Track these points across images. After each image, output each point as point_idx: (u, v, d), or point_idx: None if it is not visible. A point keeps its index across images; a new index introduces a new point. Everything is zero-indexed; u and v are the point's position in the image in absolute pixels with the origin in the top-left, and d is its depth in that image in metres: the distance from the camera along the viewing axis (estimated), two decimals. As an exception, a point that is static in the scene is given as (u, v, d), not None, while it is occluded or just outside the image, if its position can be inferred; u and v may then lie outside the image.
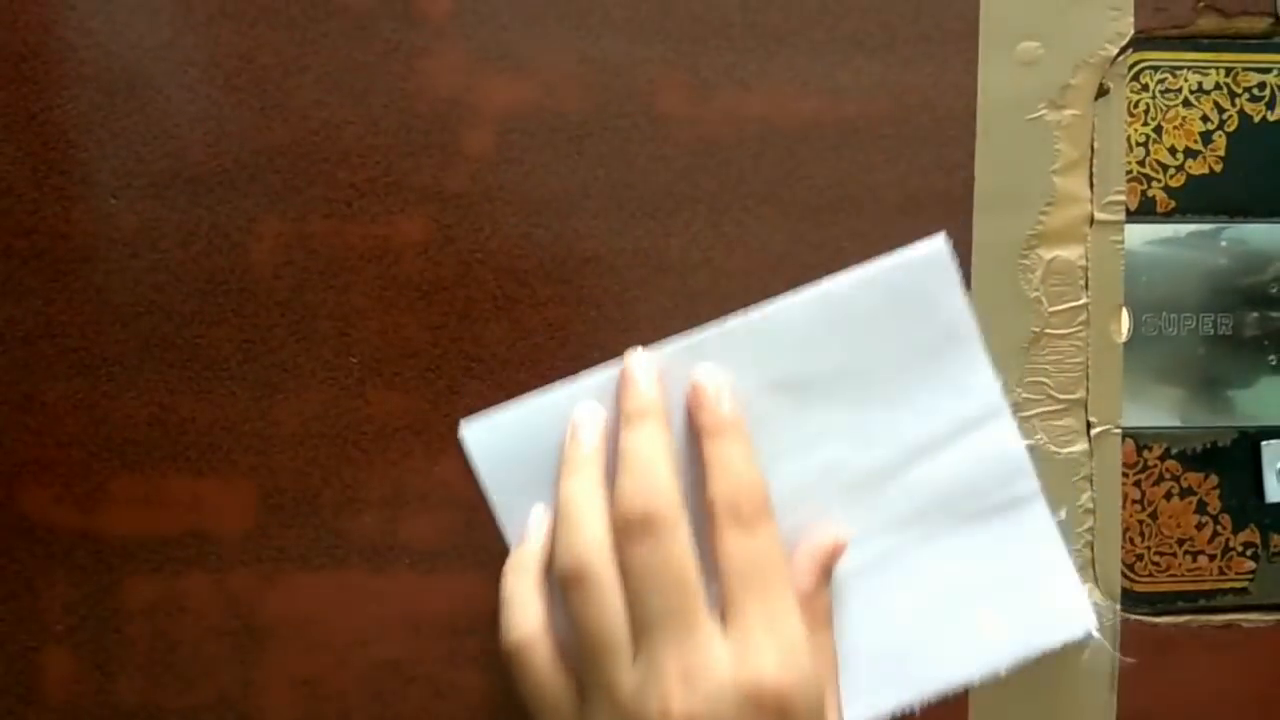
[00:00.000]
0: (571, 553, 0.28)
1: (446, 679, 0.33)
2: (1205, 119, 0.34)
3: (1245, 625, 0.35)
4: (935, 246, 0.32)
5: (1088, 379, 0.34)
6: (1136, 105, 0.34)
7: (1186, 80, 0.34)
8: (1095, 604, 0.34)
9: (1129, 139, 0.34)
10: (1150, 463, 0.35)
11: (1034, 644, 0.32)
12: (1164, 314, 0.35)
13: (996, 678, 0.32)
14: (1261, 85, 0.34)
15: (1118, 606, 0.34)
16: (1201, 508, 0.35)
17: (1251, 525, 0.35)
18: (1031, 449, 0.33)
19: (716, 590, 0.28)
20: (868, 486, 0.32)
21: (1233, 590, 0.35)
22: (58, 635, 0.33)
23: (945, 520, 0.32)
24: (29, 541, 0.33)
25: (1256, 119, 0.35)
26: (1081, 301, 0.34)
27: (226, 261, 0.33)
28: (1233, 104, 0.34)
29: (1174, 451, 0.35)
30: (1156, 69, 0.34)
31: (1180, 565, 0.35)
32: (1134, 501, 0.34)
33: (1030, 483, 0.32)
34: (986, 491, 0.32)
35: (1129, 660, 0.34)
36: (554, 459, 0.32)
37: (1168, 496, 0.35)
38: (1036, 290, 0.33)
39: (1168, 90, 0.34)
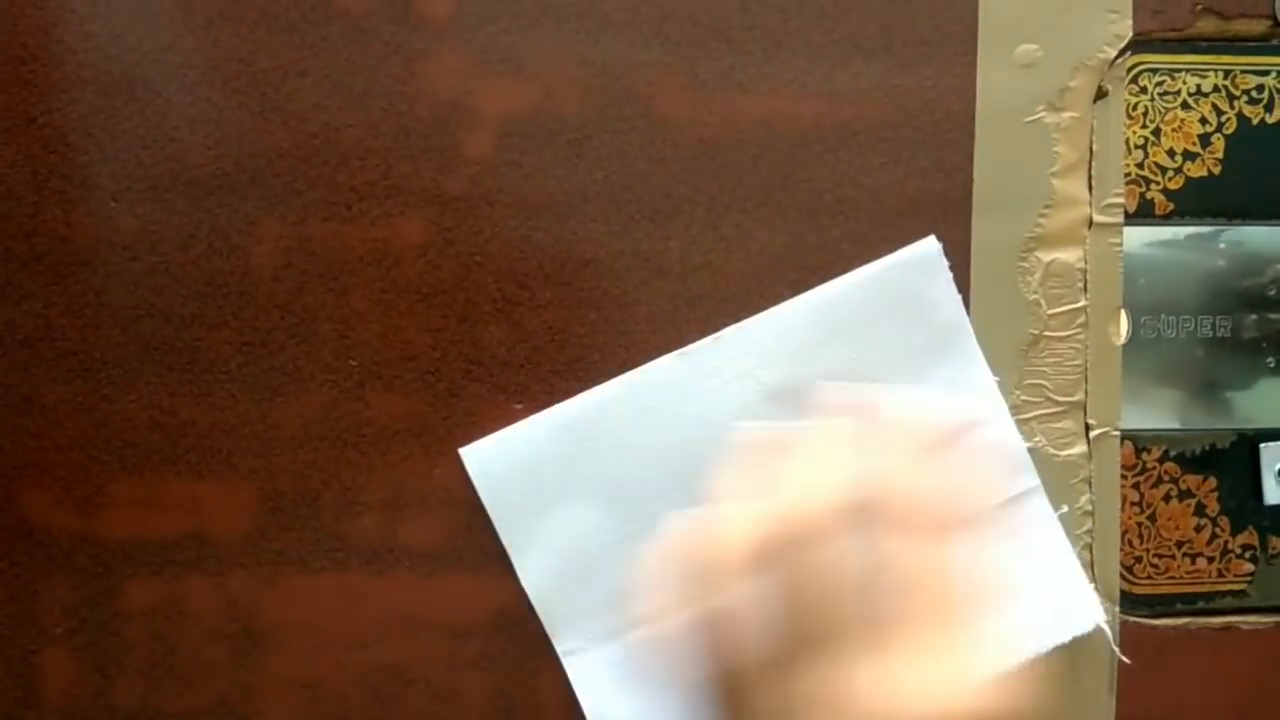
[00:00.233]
0: (790, 522, 0.25)
1: (446, 681, 0.33)
2: (1204, 121, 0.34)
3: (1244, 627, 0.35)
4: (927, 248, 0.32)
5: (1086, 381, 0.34)
6: (1135, 108, 0.34)
7: (1185, 83, 0.34)
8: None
9: (1127, 141, 0.34)
10: (1149, 465, 0.35)
11: (1044, 640, 0.32)
12: (1163, 316, 0.35)
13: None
14: (1260, 88, 0.34)
15: (1117, 608, 0.34)
16: (1200, 510, 0.35)
17: (1250, 527, 0.35)
18: (1031, 451, 0.33)
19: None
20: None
21: (1231, 592, 0.35)
22: (57, 638, 0.33)
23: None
24: (29, 544, 0.33)
25: (1255, 121, 0.35)
26: (1080, 304, 0.34)
27: (226, 264, 0.33)
28: (1231, 106, 0.34)
29: (1173, 454, 0.35)
30: (1155, 71, 0.34)
31: (1179, 567, 0.35)
32: (1133, 504, 0.34)
33: (1031, 478, 0.33)
34: (987, 489, 0.32)
35: (1128, 662, 0.34)
36: (553, 476, 0.32)
37: (1166, 499, 0.35)
38: (1035, 292, 0.34)
39: (1166, 93, 0.34)
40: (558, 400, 0.33)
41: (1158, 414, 0.35)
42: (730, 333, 0.32)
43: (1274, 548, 0.35)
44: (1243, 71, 0.34)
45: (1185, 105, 0.34)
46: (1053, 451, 0.34)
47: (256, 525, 0.33)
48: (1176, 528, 0.35)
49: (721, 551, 0.25)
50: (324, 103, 0.32)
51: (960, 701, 0.24)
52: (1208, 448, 0.35)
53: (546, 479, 0.32)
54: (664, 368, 0.32)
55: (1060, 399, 0.34)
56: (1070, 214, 0.33)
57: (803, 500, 0.25)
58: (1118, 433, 0.34)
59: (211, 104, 0.32)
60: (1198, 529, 0.35)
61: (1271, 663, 0.35)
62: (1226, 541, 0.35)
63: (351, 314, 0.33)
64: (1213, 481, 0.35)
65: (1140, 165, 0.34)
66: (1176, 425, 0.35)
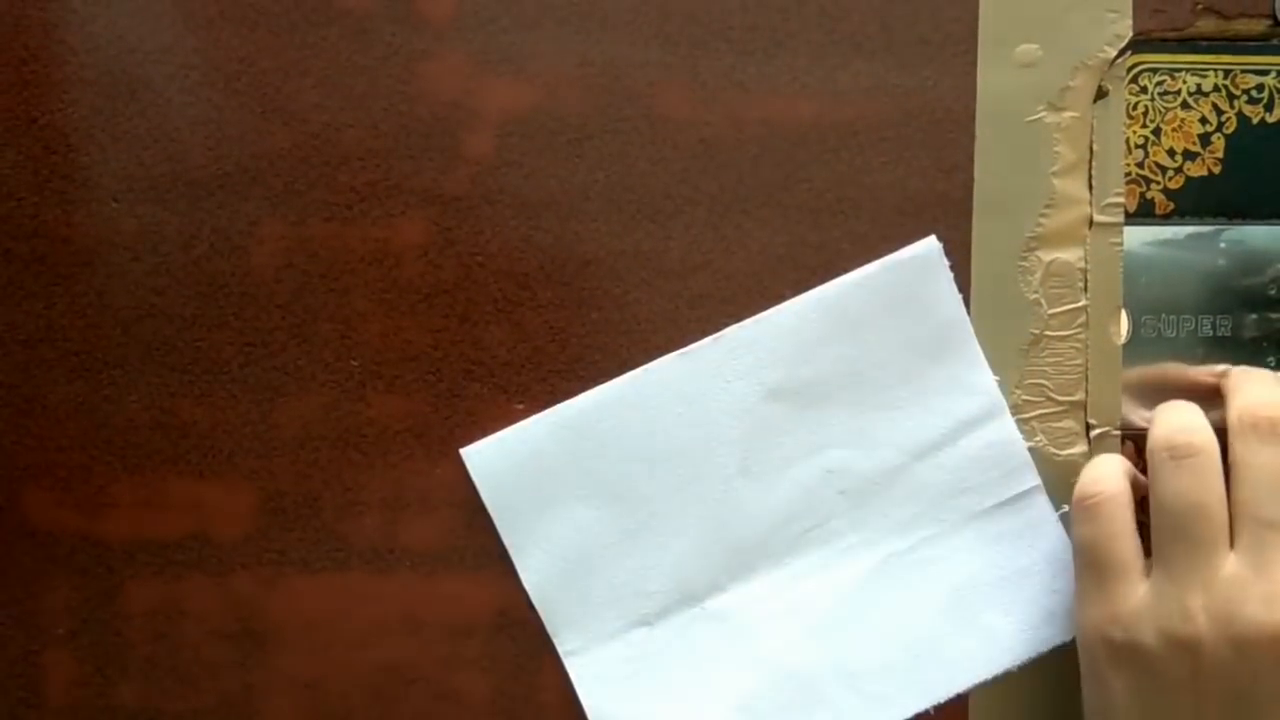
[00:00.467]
0: (1179, 425, 0.29)
1: (447, 681, 0.33)
2: (1204, 121, 0.34)
3: (1245, 626, 0.35)
4: (927, 247, 0.32)
5: (1087, 381, 0.34)
6: (1135, 107, 0.34)
7: (1185, 82, 0.34)
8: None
9: (1128, 141, 0.34)
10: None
11: (1044, 640, 0.32)
12: (1163, 316, 0.35)
13: (1006, 675, 0.32)
14: (1260, 87, 0.35)
15: (1118, 608, 0.34)
16: (1201, 509, 0.35)
17: (1251, 526, 0.35)
18: (1031, 451, 0.33)
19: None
20: (871, 490, 0.33)
21: (1233, 591, 0.35)
22: (59, 638, 0.33)
23: (950, 520, 0.33)
24: (30, 544, 0.33)
25: (1255, 121, 0.35)
26: (1081, 303, 0.34)
27: (227, 265, 0.33)
28: (1231, 106, 0.34)
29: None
30: (1155, 71, 0.34)
31: (1180, 566, 0.35)
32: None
33: (1032, 477, 0.33)
34: (989, 488, 0.33)
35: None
36: (554, 476, 0.32)
37: (1167, 498, 0.35)
38: (1036, 292, 0.34)
39: (1166, 92, 0.34)
40: (559, 400, 0.33)
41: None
42: (731, 332, 0.33)
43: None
44: (1243, 71, 0.34)
45: (1185, 105, 0.34)
46: (1053, 451, 0.34)
47: (258, 525, 0.33)
48: (1177, 527, 0.35)
49: None
50: (325, 103, 0.32)
51: None
52: (1208, 447, 0.35)
53: (547, 479, 0.32)
54: (665, 367, 0.32)
55: (1061, 398, 0.34)
56: (1071, 213, 0.33)
57: None
58: (1118, 432, 0.34)
59: (212, 104, 0.32)
60: (1199, 528, 0.35)
61: (1273, 662, 0.35)
62: (1227, 541, 0.35)
63: (352, 314, 0.33)
64: (1213, 481, 0.35)
65: (1140, 165, 0.34)
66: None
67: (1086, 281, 0.34)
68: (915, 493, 0.33)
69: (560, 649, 0.33)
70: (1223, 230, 0.35)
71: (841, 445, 0.33)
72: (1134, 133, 0.34)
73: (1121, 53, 0.33)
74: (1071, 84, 0.33)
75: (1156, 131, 0.34)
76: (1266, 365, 0.35)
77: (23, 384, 0.33)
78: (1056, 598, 0.33)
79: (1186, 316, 0.35)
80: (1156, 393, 0.34)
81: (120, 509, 0.33)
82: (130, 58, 0.32)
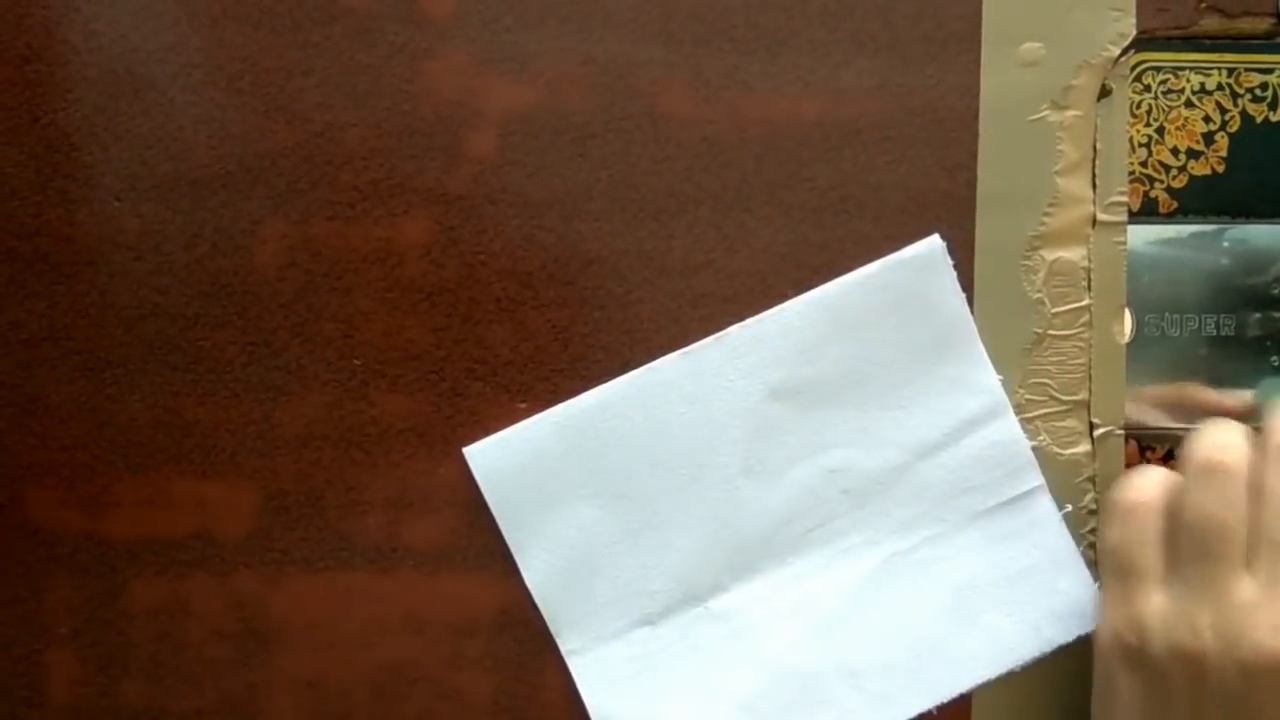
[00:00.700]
0: (1217, 443, 0.28)
1: (450, 680, 0.33)
2: (1207, 120, 0.34)
3: (1249, 626, 0.35)
4: (930, 246, 0.32)
5: (1090, 380, 0.34)
6: (1139, 106, 0.34)
7: (1189, 81, 0.34)
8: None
9: (1131, 140, 0.34)
10: (1153, 464, 0.35)
11: (1047, 640, 0.32)
12: (1166, 315, 0.35)
13: (1009, 675, 0.32)
14: (1264, 86, 0.34)
15: (1121, 607, 0.34)
16: (1205, 508, 0.35)
17: (1255, 526, 0.35)
18: (1034, 450, 0.33)
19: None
20: (875, 489, 0.33)
21: (1236, 591, 0.35)
22: (62, 637, 0.33)
23: (953, 519, 0.33)
24: (33, 544, 0.33)
25: (1259, 119, 0.35)
26: (1084, 303, 0.34)
27: (230, 264, 0.33)
28: (1235, 104, 0.34)
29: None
30: (1159, 70, 0.34)
31: (1183, 566, 0.35)
32: (1137, 502, 0.34)
33: (1035, 477, 0.33)
34: (992, 488, 0.33)
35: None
36: (556, 475, 0.32)
37: (1171, 497, 0.35)
38: (1039, 291, 0.33)
39: (1170, 91, 0.34)
40: (561, 399, 0.33)
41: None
42: (734, 331, 0.33)
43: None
44: (1246, 69, 0.34)
45: (1189, 103, 0.34)
46: (1057, 450, 0.34)
47: (261, 524, 0.33)
48: (1181, 526, 0.35)
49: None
50: (328, 102, 0.32)
51: None
52: (1212, 446, 0.35)
53: (550, 478, 0.32)
54: (668, 367, 0.32)
55: (1064, 398, 0.34)
56: (1074, 212, 0.33)
57: None
58: (1122, 431, 0.34)
59: (215, 103, 0.32)
60: (1202, 527, 0.35)
61: (1276, 661, 0.35)
62: (1231, 540, 0.35)
63: (355, 313, 0.33)
64: (1217, 480, 0.35)
65: (1144, 163, 0.34)
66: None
67: (1090, 280, 0.34)
68: (918, 492, 0.33)
69: (563, 648, 0.33)
70: (1226, 229, 0.35)
71: (844, 445, 0.33)
72: (1137, 131, 0.34)
73: (1125, 51, 0.33)
74: (1075, 82, 0.33)
75: (1160, 130, 0.34)
76: (1269, 364, 0.35)
77: (25, 383, 0.33)
78: (1059, 597, 0.33)
79: (1190, 316, 0.35)
80: (1176, 404, 0.34)
81: (123, 508, 0.33)
82: (133, 56, 0.32)
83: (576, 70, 0.33)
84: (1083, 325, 0.34)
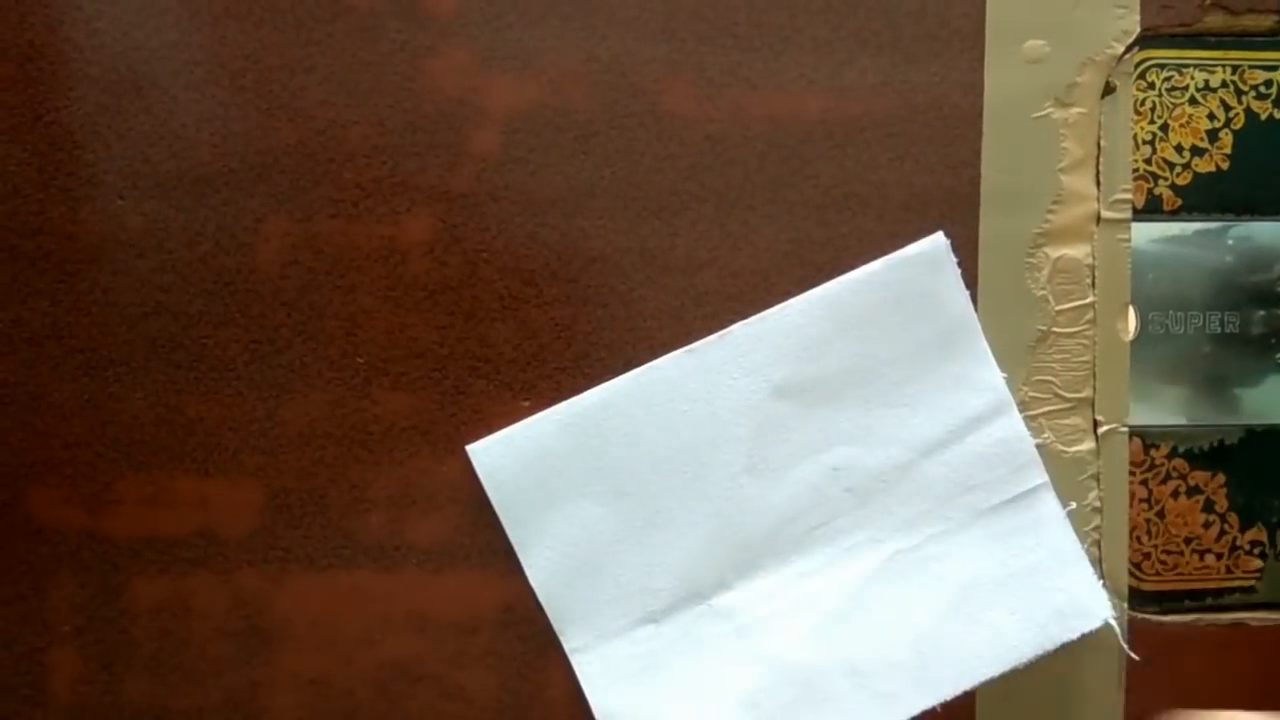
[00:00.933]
0: None
1: (454, 679, 0.33)
2: (1212, 117, 0.34)
3: (1253, 624, 0.35)
4: (934, 243, 0.32)
5: (1094, 377, 0.34)
6: (1143, 103, 0.34)
7: (1193, 78, 0.34)
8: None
9: (1135, 137, 0.34)
10: (1157, 461, 0.35)
11: (1050, 637, 0.32)
12: (1171, 312, 0.35)
13: (1013, 673, 0.32)
14: (1268, 83, 0.34)
15: (1125, 605, 0.34)
16: (1209, 506, 0.35)
17: (1259, 524, 0.35)
18: (1038, 448, 0.33)
19: None
20: (878, 487, 0.33)
21: (1240, 589, 0.35)
22: (64, 636, 0.33)
23: (957, 517, 0.33)
24: (36, 542, 0.33)
25: (1263, 116, 0.34)
26: (1088, 300, 0.34)
27: (233, 262, 0.33)
28: (1239, 101, 0.34)
29: (1181, 450, 0.35)
30: (1163, 67, 0.34)
31: (1187, 564, 0.35)
32: (1141, 500, 0.34)
33: (1039, 474, 0.33)
34: (996, 486, 0.32)
35: (1136, 658, 0.34)
36: (560, 473, 0.32)
37: (1175, 495, 0.35)
38: (1043, 289, 0.33)
39: (1174, 88, 0.34)
40: (565, 397, 0.33)
41: (1166, 410, 0.35)
42: (737, 329, 0.32)
43: (1283, 544, 0.35)
44: (1251, 67, 0.34)
45: (1193, 101, 0.34)
46: (1061, 448, 0.34)
47: (264, 523, 0.33)
48: (1185, 524, 0.35)
49: None
50: (330, 100, 0.32)
51: None
52: (1216, 444, 0.35)
53: (553, 476, 0.32)
54: (671, 365, 0.32)
55: (1068, 395, 0.34)
56: (1078, 210, 0.33)
57: None
58: (1126, 429, 0.34)
59: (218, 101, 0.32)
60: (1206, 525, 0.35)
61: (1280, 659, 0.35)
62: (1235, 538, 0.35)
63: (358, 311, 0.33)
64: (1221, 478, 0.35)
65: (1148, 161, 0.34)
66: (1185, 421, 0.35)
67: (1094, 278, 0.34)
68: (922, 490, 0.33)
69: (566, 646, 0.33)
70: (1230, 227, 0.35)
71: (848, 443, 0.33)
72: (1141, 129, 0.34)
73: (1129, 48, 0.33)
74: (1079, 80, 0.33)
75: (1164, 127, 0.34)
76: (1274, 361, 0.35)
77: (28, 381, 0.33)
78: (1063, 595, 0.33)
79: (1194, 313, 0.35)
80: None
81: (126, 506, 0.33)
82: (135, 54, 0.32)
83: (579, 68, 0.33)
84: (1087, 323, 0.34)
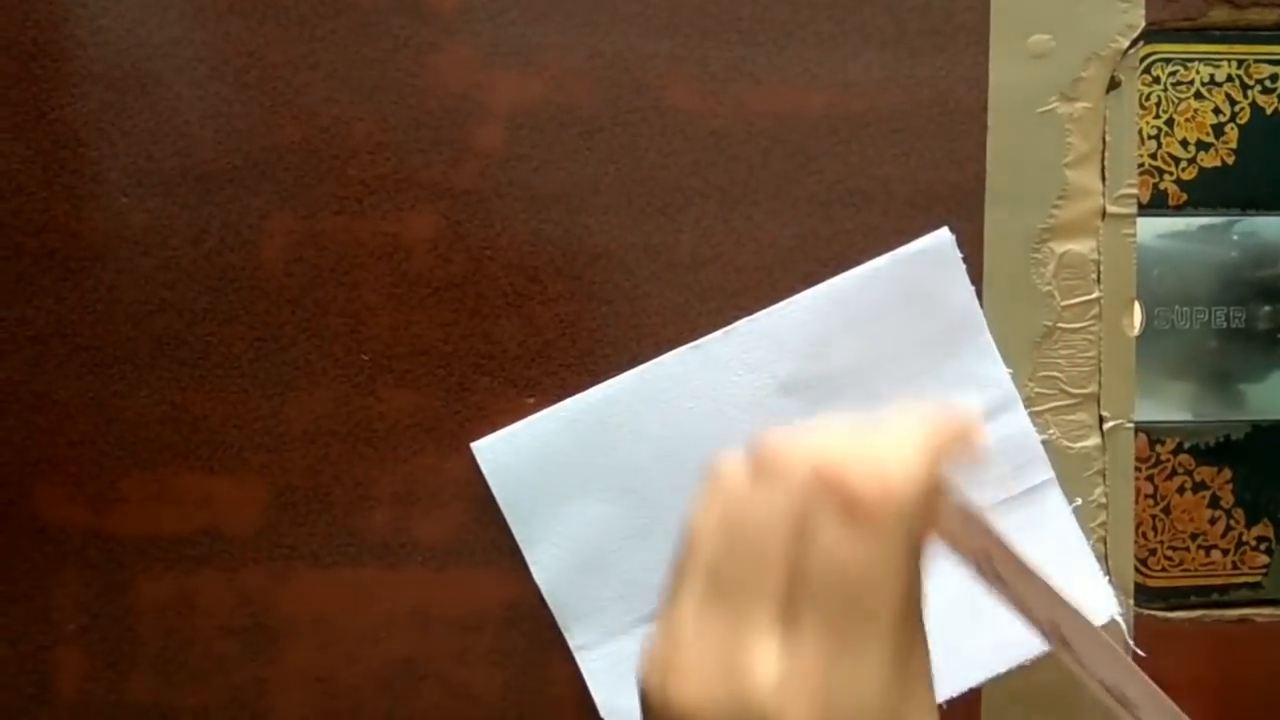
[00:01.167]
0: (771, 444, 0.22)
1: (457, 675, 0.33)
2: (1217, 111, 0.34)
3: (1259, 619, 0.35)
4: (940, 239, 0.32)
5: (1100, 373, 0.34)
6: (1148, 98, 0.34)
7: (1198, 72, 0.34)
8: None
9: (1140, 132, 0.34)
10: (1163, 457, 0.34)
11: None
12: (1176, 307, 0.35)
13: (1019, 670, 0.32)
14: (1273, 77, 0.34)
15: (1131, 601, 0.34)
16: (1214, 502, 0.35)
17: (1265, 519, 0.35)
18: (1045, 444, 0.33)
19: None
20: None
21: (1246, 585, 0.35)
22: (70, 633, 0.33)
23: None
24: (41, 540, 0.33)
25: (1269, 111, 0.34)
26: (1094, 295, 0.33)
27: (237, 259, 0.33)
28: (1244, 96, 0.34)
29: (1187, 446, 0.35)
30: (1168, 61, 0.34)
31: (1193, 560, 0.35)
32: (1147, 496, 0.34)
33: (1045, 471, 0.32)
34: (1002, 482, 0.32)
35: (1142, 655, 0.34)
36: (564, 470, 0.32)
37: (1180, 491, 0.35)
38: (1049, 284, 0.33)
39: (1179, 83, 0.34)
40: (569, 394, 0.33)
41: (1171, 406, 0.35)
42: (742, 325, 0.32)
43: (1289, 540, 0.35)
44: (1256, 61, 0.34)
45: (1198, 95, 0.34)
46: (1067, 444, 0.34)
47: (268, 520, 0.33)
48: (1191, 520, 0.35)
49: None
50: (334, 97, 0.32)
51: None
52: (1222, 439, 0.35)
53: (558, 472, 0.32)
54: (675, 361, 0.32)
55: (1074, 391, 0.34)
56: (1083, 205, 0.33)
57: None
58: (1131, 425, 0.34)
59: (222, 98, 0.32)
60: (1212, 521, 0.35)
61: (1287, 655, 0.35)
62: (1241, 534, 0.35)
63: (362, 308, 0.33)
64: (1227, 473, 0.35)
65: (1153, 156, 0.34)
66: (1190, 417, 0.35)
67: (1099, 273, 0.33)
68: (927, 486, 0.33)
69: (571, 643, 0.33)
70: (1236, 222, 0.35)
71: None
72: (1147, 123, 0.34)
73: (1134, 43, 0.33)
74: (1084, 75, 0.33)
75: (1169, 122, 0.34)
76: (1279, 356, 0.35)
77: (32, 379, 0.33)
78: (1073, 587, 0.33)
79: (1200, 308, 0.35)
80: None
81: (131, 504, 0.33)
82: (139, 52, 0.32)
83: (583, 64, 0.33)
84: (1092, 318, 0.34)
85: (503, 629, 0.33)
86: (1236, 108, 0.34)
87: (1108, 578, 0.34)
